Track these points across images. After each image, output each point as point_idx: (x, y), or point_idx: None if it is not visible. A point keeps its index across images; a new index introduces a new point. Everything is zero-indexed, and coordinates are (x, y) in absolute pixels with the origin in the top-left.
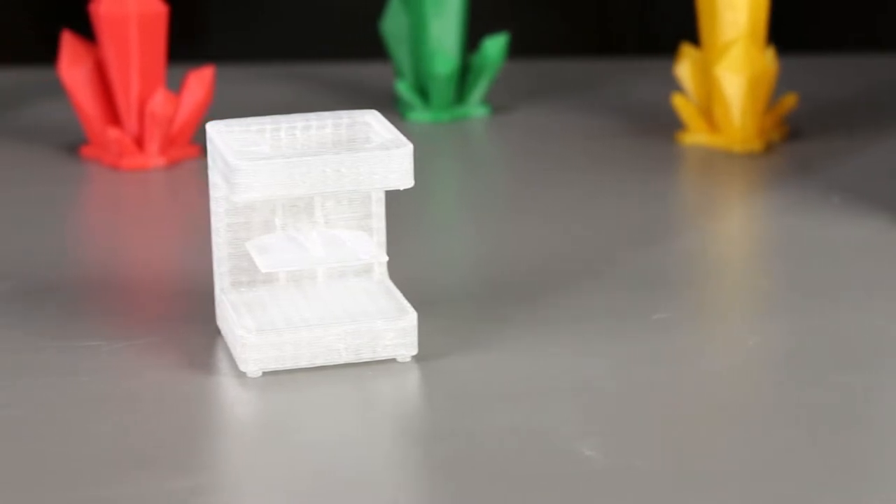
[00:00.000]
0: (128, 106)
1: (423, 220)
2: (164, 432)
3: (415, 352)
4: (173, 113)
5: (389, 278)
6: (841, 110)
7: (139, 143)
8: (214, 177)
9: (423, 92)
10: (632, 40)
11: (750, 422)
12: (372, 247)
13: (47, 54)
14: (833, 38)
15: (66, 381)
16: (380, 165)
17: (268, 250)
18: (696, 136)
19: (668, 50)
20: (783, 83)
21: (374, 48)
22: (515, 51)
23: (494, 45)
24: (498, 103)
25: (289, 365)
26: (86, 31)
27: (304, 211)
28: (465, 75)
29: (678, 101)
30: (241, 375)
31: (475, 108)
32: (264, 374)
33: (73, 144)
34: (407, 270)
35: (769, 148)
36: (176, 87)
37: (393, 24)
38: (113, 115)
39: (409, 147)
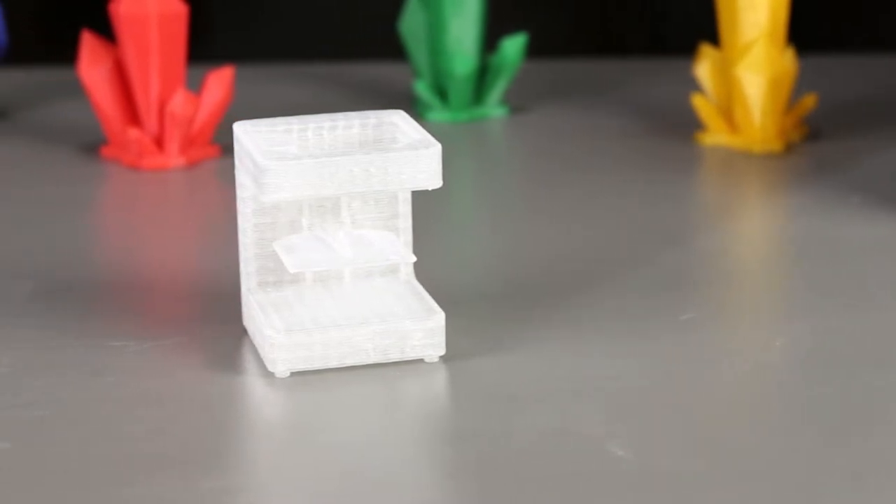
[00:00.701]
0: (148, 106)
1: (442, 221)
2: (194, 433)
3: (442, 352)
4: (193, 113)
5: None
6: (859, 111)
7: (159, 143)
8: (242, 177)
9: (441, 92)
10: (650, 41)
11: (779, 422)
12: (400, 247)
13: (66, 54)
14: (851, 38)
15: (93, 381)
16: (408, 165)
17: (295, 250)
18: (715, 136)
19: (685, 50)
20: (801, 83)
21: (390, 48)
22: (533, 51)
23: (513, 46)
24: (516, 103)
25: (317, 365)
26: (106, 31)
27: (330, 211)
28: (483, 75)
29: (698, 102)
30: (269, 375)
31: (493, 109)
32: (292, 374)
33: (91, 144)
34: (429, 270)
35: (789, 148)
36: (192, 87)
37: (411, 24)
38: (132, 115)
39: (438, 147)
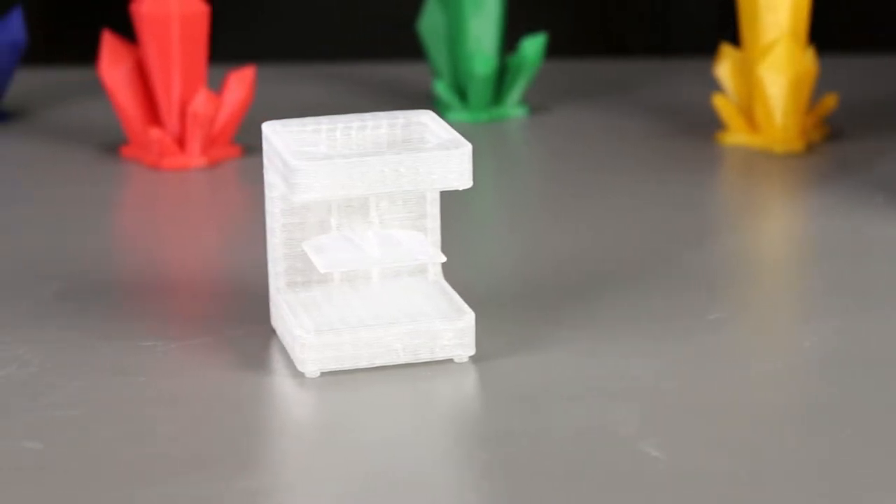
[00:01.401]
0: (169, 106)
1: (463, 221)
2: (225, 433)
3: (472, 352)
4: (215, 113)
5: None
6: (880, 110)
7: (180, 143)
8: (270, 177)
9: (460, 92)
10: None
11: (812, 422)
12: (429, 247)
13: (86, 54)
14: (871, 37)
15: (123, 382)
16: (438, 165)
17: (325, 250)
18: (736, 136)
19: (704, 51)
20: (821, 83)
21: (408, 48)
22: (552, 51)
23: (532, 46)
24: (535, 104)
25: (347, 365)
26: (126, 31)
27: (358, 211)
28: (502, 76)
29: (719, 102)
30: (299, 375)
31: (513, 109)
32: (322, 374)
33: (111, 144)
34: (453, 270)
35: (810, 148)
36: (211, 86)
37: (430, 24)
38: (153, 114)
39: (468, 147)
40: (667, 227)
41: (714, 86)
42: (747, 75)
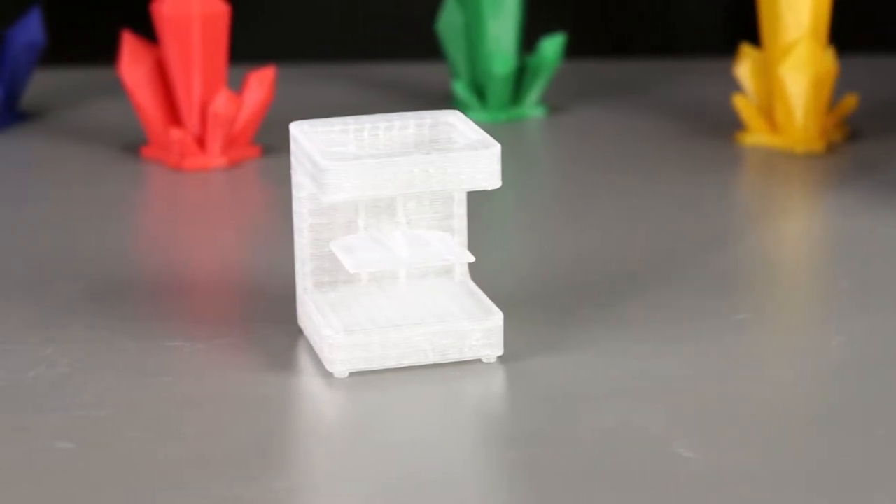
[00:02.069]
0: (189, 106)
1: (484, 221)
2: (254, 433)
3: (500, 352)
4: (236, 113)
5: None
6: None
7: (201, 143)
8: (298, 177)
9: (479, 92)
10: (686, 40)
11: (844, 421)
12: (457, 247)
13: (105, 55)
14: (890, 37)
15: (151, 382)
16: (467, 166)
17: (353, 251)
18: (756, 136)
19: (723, 50)
20: (841, 83)
21: (423, 48)
22: (570, 51)
23: (551, 46)
24: (553, 104)
25: (375, 365)
26: (144, 30)
27: (385, 211)
28: (521, 76)
29: (739, 102)
30: (327, 376)
31: (532, 109)
32: (350, 374)
33: (131, 145)
34: (475, 270)
35: (830, 148)
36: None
37: (449, 24)
38: (173, 114)
39: (497, 147)
40: (688, 228)
41: (731, 86)
42: (767, 75)
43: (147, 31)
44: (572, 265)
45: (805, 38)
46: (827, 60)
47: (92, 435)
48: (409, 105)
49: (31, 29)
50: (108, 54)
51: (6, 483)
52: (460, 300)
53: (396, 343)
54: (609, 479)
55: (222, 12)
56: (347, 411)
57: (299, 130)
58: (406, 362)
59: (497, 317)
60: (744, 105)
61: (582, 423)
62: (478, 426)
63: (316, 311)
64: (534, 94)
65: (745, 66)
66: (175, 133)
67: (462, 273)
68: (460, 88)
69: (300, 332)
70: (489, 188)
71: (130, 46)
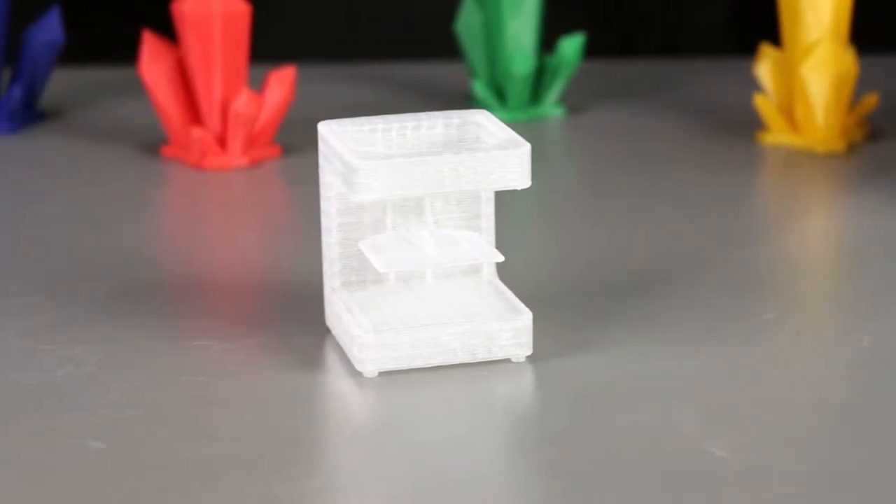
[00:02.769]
0: (210, 105)
1: (506, 221)
2: (285, 433)
3: (529, 352)
4: (257, 113)
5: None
6: None
7: (221, 142)
8: (327, 176)
9: (498, 91)
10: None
11: (877, 420)
12: (486, 247)
13: (124, 54)
14: None
15: (181, 381)
16: (497, 165)
17: (382, 250)
18: (777, 136)
19: (741, 50)
20: (861, 83)
21: (441, 48)
22: (588, 51)
23: (571, 46)
24: (572, 103)
25: (405, 365)
26: (164, 30)
27: (413, 211)
28: (539, 75)
29: (760, 101)
30: (356, 375)
31: (551, 109)
32: (379, 373)
33: (150, 144)
34: (501, 270)
35: (851, 148)
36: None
37: (467, 24)
38: (193, 114)
39: (527, 147)
40: (711, 227)
41: (749, 85)
42: (788, 75)
43: (166, 30)
44: (596, 265)
45: (826, 37)
46: (848, 60)
47: (123, 434)
48: (428, 105)
49: (51, 28)
50: (127, 54)
51: (40, 483)
52: (489, 300)
53: (426, 343)
54: (642, 479)
55: (243, 12)
56: (377, 411)
57: (328, 130)
58: (435, 362)
59: (526, 316)
60: (764, 105)
61: (613, 422)
62: (508, 426)
63: (345, 311)
64: (553, 93)
65: (765, 66)
66: (196, 132)
67: (490, 272)
68: (480, 88)
69: (327, 331)
70: (519, 188)
71: (151, 46)
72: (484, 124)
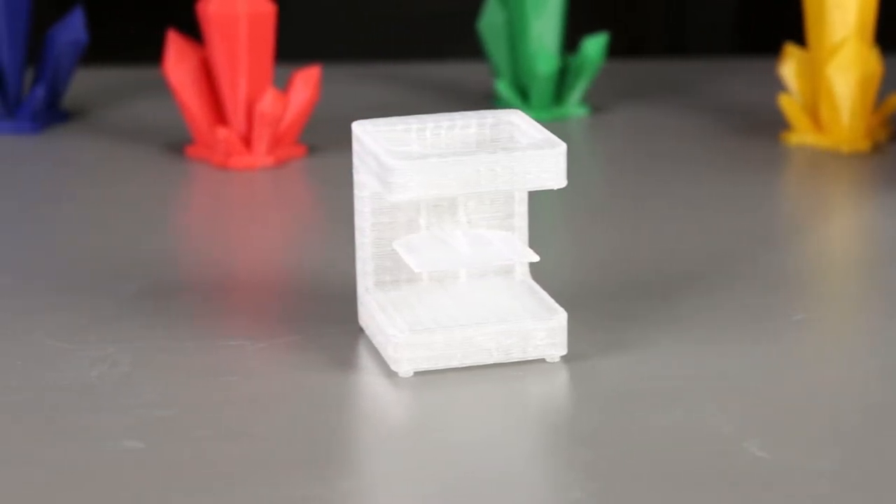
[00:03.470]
0: (235, 105)
1: (534, 221)
2: (321, 433)
3: (564, 352)
4: (283, 112)
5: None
6: None
7: (246, 142)
8: (360, 176)
9: (522, 91)
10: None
11: None
12: (521, 247)
13: (147, 54)
14: None
15: (215, 381)
16: (534, 165)
17: (417, 250)
18: (802, 136)
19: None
20: (885, 83)
21: (461, 48)
22: (611, 50)
23: (594, 45)
24: (594, 103)
25: (440, 365)
26: (188, 29)
27: (447, 211)
28: (562, 75)
29: (784, 101)
30: (391, 375)
31: (574, 108)
32: (413, 373)
33: (174, 144)
34: (531, 269)
35: (876, 148)
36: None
37: (490, 24)
38: (217, 114)
39: (563, 147)
40: (738, 228)
41: (773, 85)
42: (812, 75)
43: (189, 29)
44: (623, 265)
45: (852, 37)
46: (873, 60)
47: (160, 434)
48: (451, 104)
49: (74, 28)
50: (149, 54)
51: (78, 483)
52: (523, 299)
53: (461, 342)
54: (681, 479)
55: (268, 11)
56: (411, 411)
57: (362, 130)
58: (470, 362)
59: (561, 316)
60: (789, 104)
61: (649, 422)
62: (543, 426)
63: (379, 311)
64: (576, 93)
65: (790, 66)
66: (221, 132)
67: (523, 272)
68: (503, 88)
69: (360, 331)
70: (555, 187)
71: (176, 45)
72: (518, 124)
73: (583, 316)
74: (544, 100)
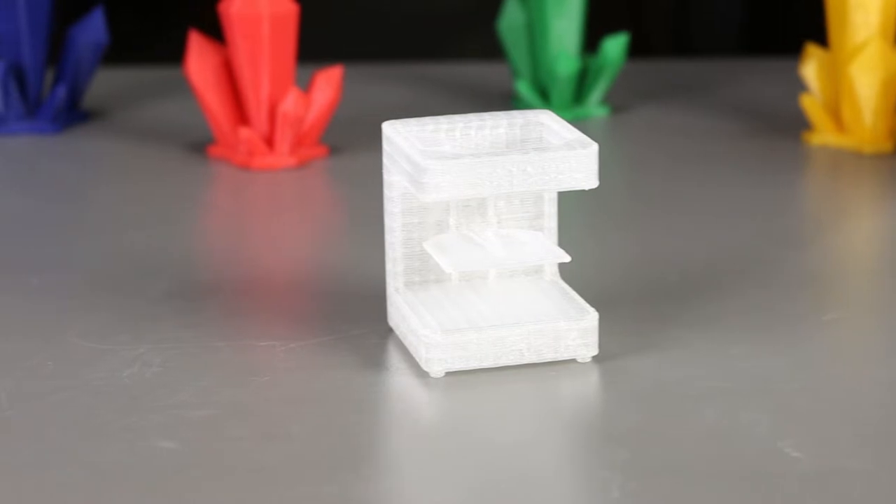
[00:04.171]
0: (258, 105)
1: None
2: (355, 433)
3: (595, 352)
4: (305, 113)
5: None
6: None
7: (269, 142)
8: (390, 176)
9: (542, 91)
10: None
11: None
12: (553, 246)
13: (166, 54)
14: None
15: (248, 381)
16: (566, 165)
17: (448, 250)
18: (824, 136)
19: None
20: None
21: (479, 48)
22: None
23: (614, 46)
24: (615, 103)
25: (472, 365)
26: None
27: (477, 211)
28: (582, 75)
29: (806, 102)
30: (422, 375)
31: (595, 108)
32: (445, 374)
33: (195, 144)
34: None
35: None
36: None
37: (510, 24)
38: (239, 114)
39: (595, 147)
40: (761, 228)
41: (793, 85)
42: (834, 75)
43: (209, 29)
44: (648, 265)
45: (874, 37)
46: (895, 60)
47: (194, 435)
48: (472, 105)
49: (95, 28)
50: (169, 54)
51: (114, 483)
52: (554, 300)
53: (493, 343)
54: (717, 479)
55: (291, 11)
56: (444, 411)
57: (393, 130)
58: (503, 362)
59: (593, 316)
60: (811, 105)
61: (683, 422)
62: (577, 426)
63: (411, 311)
64: (597, 93)
65: (811, 66)
66: (244, 132)
67: (552, 272)
68: (523, 88)
69: (390, 331)
70: (587, 188)
71: (197, 46)
72: (548, 124)
73: (610, 316)
74: (565, 100)
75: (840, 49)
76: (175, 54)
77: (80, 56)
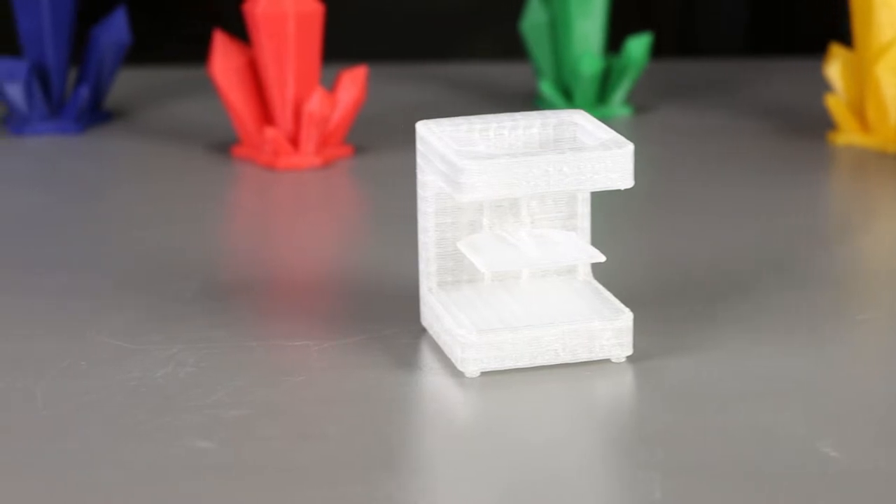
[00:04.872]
0: (283, 105)
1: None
2: (390, 432)
3: (630, 352)
4: (330, 112)
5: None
6: None
7: (294, 142)
8: (424, 176)
9: (565, 91)
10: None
11: None
12: (586, 246)
13: (189, 54)
14: None
15: (282, 381)
16: (602, 165)
17: (482, 250)
18: (848, 136)
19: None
20: None
21: (500, 48)
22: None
23: (638, 45)
24: (637, 103)
25: (507, 365)
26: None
27: (510, 211)
28: (606, 75)
29: (831, 101)
30: (457, 375)
31: (618, 108)
32: (480, 374)
33: (219, 144)
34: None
35: None
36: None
37: (533, 24)
38: (264, 114)
39: (630, 147)
40: (790, 228)
41: (818, 85)
42: (859, 75)
43: (233, 29)
44: (681, 265)
45: None
46: None
47: (230, 434)
48: (496, 104)
49: (117, 28)
50: (192, 54)
51: (151, 483)
52: (588, 300)
53: (527, 343)
54: (756, 479)
55: (316, 11)
56: (479, 411)
57: (427, 130)
58: (538, 362)
59: (627, 316)
60: (836, 105)
61: (720, 422)
62: (613, 426)
63: (445, 311)
64: (620, 93)
65: (835, 66)
66: (269, 132)
67: (586, 272)
68: (547, 88)
69: (423, 331)
70: (622, 188)
71: (222, 45)
72: (582, 124)
73: (644, 316)
74: (588, 100)
75: (865, 48)
76: (199, 54)
77: (103, 56)
